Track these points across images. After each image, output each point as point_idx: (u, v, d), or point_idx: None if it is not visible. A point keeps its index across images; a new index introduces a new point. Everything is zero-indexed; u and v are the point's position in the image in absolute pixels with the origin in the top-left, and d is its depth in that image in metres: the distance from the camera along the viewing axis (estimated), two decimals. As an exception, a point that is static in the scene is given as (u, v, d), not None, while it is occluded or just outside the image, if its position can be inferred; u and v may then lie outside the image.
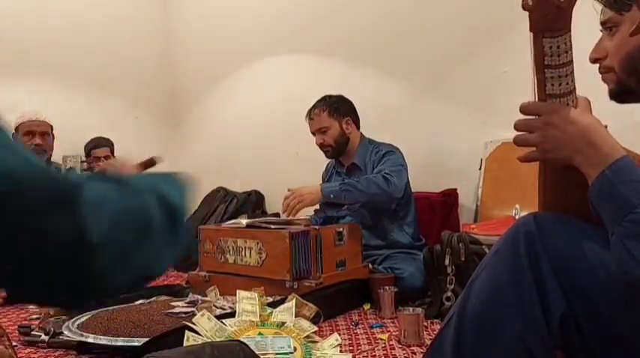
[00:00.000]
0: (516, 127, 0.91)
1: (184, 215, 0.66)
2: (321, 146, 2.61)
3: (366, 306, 2.22)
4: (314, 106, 2.63)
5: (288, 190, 2.37)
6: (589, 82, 1.05)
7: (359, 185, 2.35)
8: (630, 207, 0.78)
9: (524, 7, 0.83)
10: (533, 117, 0.89)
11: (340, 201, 2.28)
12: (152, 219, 0.60)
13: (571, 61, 0.87)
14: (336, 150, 2.60)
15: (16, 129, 2.82)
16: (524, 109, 0.90)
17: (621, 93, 0.99)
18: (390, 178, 2.36)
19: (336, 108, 2.58)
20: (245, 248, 2.32)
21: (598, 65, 1.01)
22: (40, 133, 2.84)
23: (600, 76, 1.01)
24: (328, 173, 2.79)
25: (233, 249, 2.36)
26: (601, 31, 1.01)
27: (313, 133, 2.63)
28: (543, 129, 0.87)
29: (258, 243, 2.27)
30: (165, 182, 0.67)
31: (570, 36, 0.85)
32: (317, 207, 2.82)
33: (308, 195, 2.22)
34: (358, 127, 2.65)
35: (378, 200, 2.40)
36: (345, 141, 2.59)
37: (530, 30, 0.86)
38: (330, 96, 2.63)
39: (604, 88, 1.01)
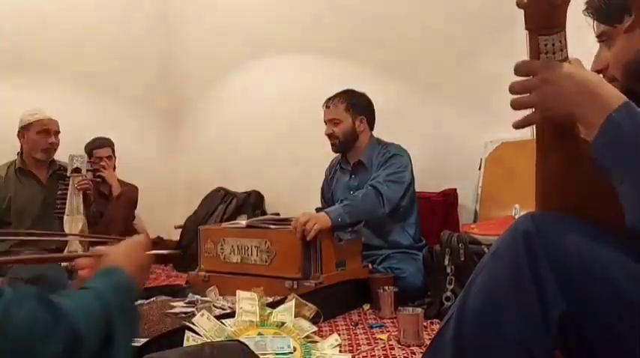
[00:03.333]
0: (512, 90, 0.88)
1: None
2: (329, 136, 2.62)
3: (366, 306, 2.22)
4: (334, 96, 2.64)
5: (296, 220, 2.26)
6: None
7: (358, 201, 2.33)
8: None
9: (518, 5, 0.83)
10: (528, 78, 0.87)
11: (345, 221, 2.29)
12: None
13: (566, 59, 0.87)
14: (343, 144, 2.61)
15: (27, 126, 2.83)
16: (517, 69, 0.87)
17: None
18: (384, 192, 2.35)
19: (354, 105, 2.59)
20: (251, 247, 2.32)
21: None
22: (54, 132, 2.87)
23: None
24: (332, 169, 2.79)
25: (238, 248, 2.37)
26: (598, 42, 1.01)
27: (325, 122, 2.64)
28: (540, 88, 0.85)
29: (266, 242, 2.27)
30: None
31: (565, 33, 0.85)
32: (318, 205, 2.82)
33: (321, 217, 2.22)
34: (371, 128, 2.65)
35: (372, 216, 2.41)
36: (354, 138, 2.60)
37: (526, 28, 0.86)
38: (353, 92, 2.64)
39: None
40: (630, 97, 0.97)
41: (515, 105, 0.88)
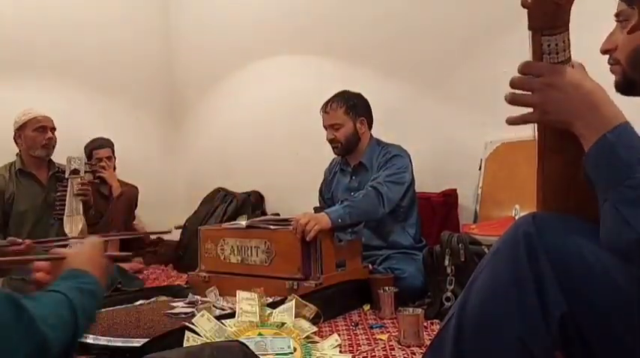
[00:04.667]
0: (513, 84, 0.87)
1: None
2: (331, 142, 2.58)
3: (366, 307, 2.22)
4: (331, 100, 2.58)
5: (296, 221, 2.25)
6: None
7: (358, 202, 2.33)
8: (630, 172, 0.77)
9: (523, 5, 0.83)
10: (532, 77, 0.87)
11: (346, 221, 2.29)
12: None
13: (569, 59, 0.87)
14: (346, 148, 2.58)
15: (23, 125, 2.84)
16: (523, 68, 0.87)
17: (626, 86, 0.98)
18: (384, 193, 2.34)
19: (353, 107, 2.55)
20: (251, 247, 2.32)
21: (608, 57, 1.01)
22: (50, 128, 2.88)
23: (605, 71, 1.01)
24: (332, 171, 2.78)
25: (238, 249, 2.37)
26: (616, 22, 1.01)
27: (325, 127, 2.60)
28: (544, 90, 0.85)
29: (266, 243, 2.27)
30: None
31: (569, 34, 0.85)
32: (317, 205, 2.82)
33: (321, 218, 2.22)
34: (370, 128, 2.63)
35: (372, 217, 2.40)
36: (356, 140, 2.57)
37: (529, 28, 0.86)
38: (349, 93, 2.60)
39: (608, 84, 1.01)
40: (628, 83, 0.97)
41: (512, 101, 0.88)
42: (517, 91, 0.88)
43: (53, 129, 2.91)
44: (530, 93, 0.87)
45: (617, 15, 0.97)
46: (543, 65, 0.86)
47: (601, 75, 1.01)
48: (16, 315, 0.60)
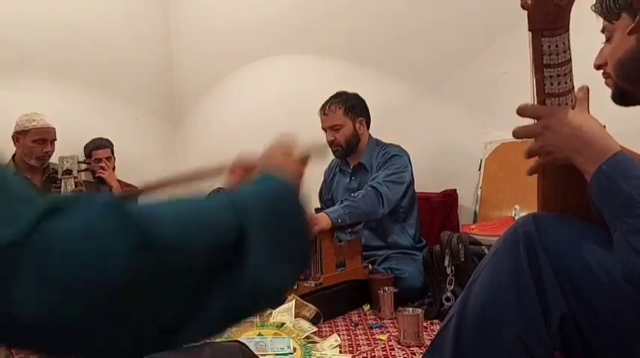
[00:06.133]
0: (515, 135, 0.92)
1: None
2: (331, 144, 2.55)
3: (366, 307, 2.22)
4: (329, 102, 2.57)
5: None
6: (591, 82, 1.05)
7: (358, 202, 2.32)
8: (633, 203, 0.79)
9: (523, 6, 0.83)
10: (532, 120, 0.91)
11: (345, 221, 2.28)
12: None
13: (569, 60, 0.87)
14: (346, 149, 2.56)
15: (24, 131, 2.80)
16: (521, 111, 0.91)
17: (620, 97, 1.01)
18: (383, 193, 2.34)
19: (352, 107, 2.54)
20: None
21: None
22: (51, 141, 2.84)
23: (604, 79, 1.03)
24: (331, 171, 2.77)
25: None
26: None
27: (324, 129, 2.58)
28: (543, 134, 0.88)
29: None
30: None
31: (569, 35, 0.86)
32: (317, 206, 2.82)
33: (321, 218, 2.21)
34: (368, 127, 2.62)
35: (372, 217, 2.40)
36: (357, 141, 2.55)
37: (529, 29, 0.86)
38: (346, 94, 2.59)
39: (605, 89, 1.02)
40: (621, 94, 0.99)
41: (526, 155, 0.93)
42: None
43: (53, 140, 2.86)
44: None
45: (602, 31, 1.00)
46: (539, 107, 0.90)
47: (601, 79, 1.02)
48: (112, 219, 0.49)
